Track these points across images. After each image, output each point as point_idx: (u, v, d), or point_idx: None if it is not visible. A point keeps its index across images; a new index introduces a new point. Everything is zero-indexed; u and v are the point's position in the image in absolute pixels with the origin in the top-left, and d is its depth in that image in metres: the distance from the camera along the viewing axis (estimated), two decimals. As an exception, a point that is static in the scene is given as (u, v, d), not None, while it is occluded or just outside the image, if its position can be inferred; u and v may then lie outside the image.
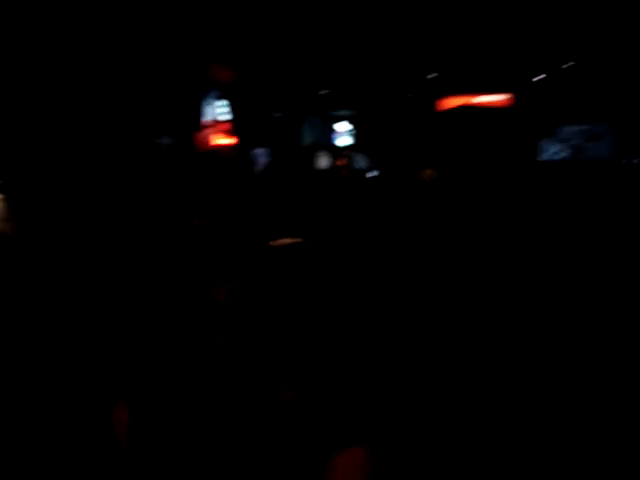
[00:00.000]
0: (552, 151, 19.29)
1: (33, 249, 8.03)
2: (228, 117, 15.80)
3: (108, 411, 2.32)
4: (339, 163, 20.96)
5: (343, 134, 22.96)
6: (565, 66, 17.46)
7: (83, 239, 7.63)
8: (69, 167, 11.96)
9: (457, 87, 19.36)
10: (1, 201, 11.71)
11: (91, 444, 2.35)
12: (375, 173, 19.22)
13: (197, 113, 14.95)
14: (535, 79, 18.55)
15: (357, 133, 23.13)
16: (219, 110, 15.58)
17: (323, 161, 20.95)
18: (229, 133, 15.73)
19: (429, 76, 18.26)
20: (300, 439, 1.56)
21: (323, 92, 19.80)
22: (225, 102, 15.77)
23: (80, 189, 11.62)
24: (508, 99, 19.51)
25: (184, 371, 2.04)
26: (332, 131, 22.51)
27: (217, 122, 15.42)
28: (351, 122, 23.13)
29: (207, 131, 15.07)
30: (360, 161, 21.91)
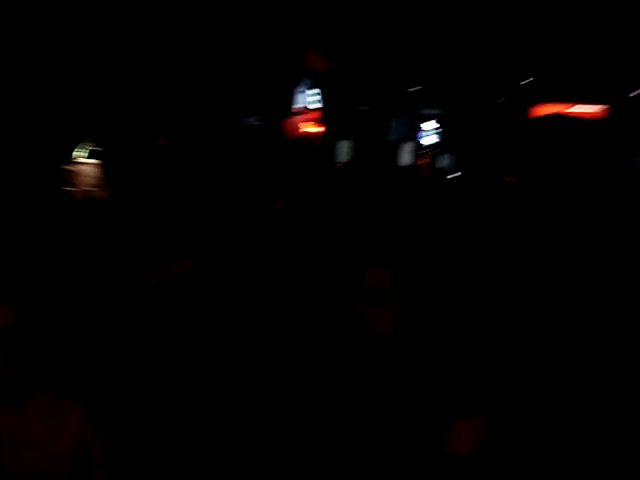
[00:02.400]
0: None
1: (126, 214, 8.38)
2: (318, 106, 15.97)
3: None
4: (422, 161, 20.89)
5: (429, 132, 22.86)
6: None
7: (175, 208, 7.92)
8: (162, 138, 12.36)
9: (551, 95, 18.99)
10: (97, 166, 12.23)
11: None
12: (457, 174, 19.08)
13: (289, 99, 15.15)
14: (632, 94, 18.03)
15: (443, 133, 22.98)
16: (310, 98, 15.77)
17: (406, 157, 20.92)
18: (318, 122, 15.90)
19: (523, 82, 17.98)
20: (426, 406, 1.77)
21: (413, 89, 19.75)
22: (316, 91, 15.94)
23: (171, 160, 12.00)
24: (603, 111, 19.01)
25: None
26: (418, 129, 22.43)
27: (307, 110, 15.61)
28: (438, 121, 22.98)
29: (297, 118, 15.27)
30: (443, 161, 21.77)
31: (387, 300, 1.95)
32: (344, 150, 18.00)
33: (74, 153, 10.83)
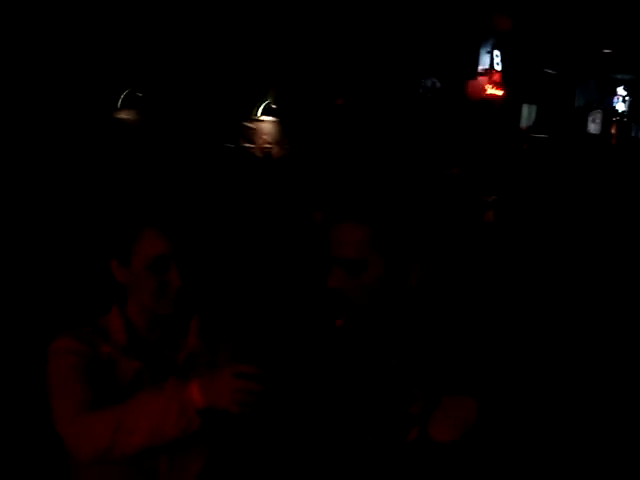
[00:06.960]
0: None
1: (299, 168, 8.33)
2: (500, 67, 15.23)
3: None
4: (612, 130, 19.56)
5: (620, 99, 21.33)
6: None
7: (347, 166, 7.77)
8: (339, 97, 12.26)
9: None
10: (276, 124, 12.35)
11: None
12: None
13: (474, 60, 14.55)
14: None
15: (635, 99, 21.40)
16: (494, 59, 15.05)
17: (595, 125, 19.65)
18: (500, 84, 15.16)
19: None
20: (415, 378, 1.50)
21: (605, 51, 18.30)
22: (499, 52, 15.20)
23: (348, 119, 11.88)
24: None
25: None
26: (609, 95, 20.97)
27: (491, 71, 14.91)
28: (630, 87, 21.43)
29: (481, 79, 14.63)
30: (637, 129, 20.28)
31: (365, 268, 1.49)
32: (527, 114, 17.15)
33: (254, 111, 10.98)
